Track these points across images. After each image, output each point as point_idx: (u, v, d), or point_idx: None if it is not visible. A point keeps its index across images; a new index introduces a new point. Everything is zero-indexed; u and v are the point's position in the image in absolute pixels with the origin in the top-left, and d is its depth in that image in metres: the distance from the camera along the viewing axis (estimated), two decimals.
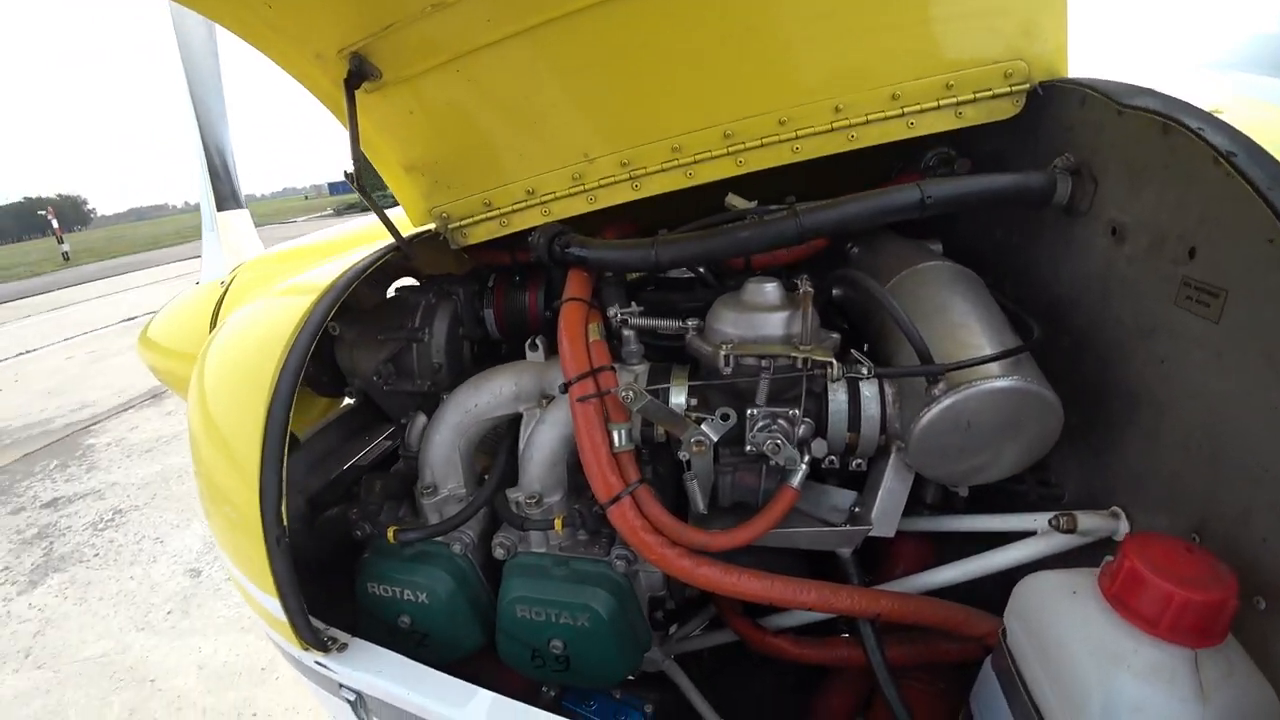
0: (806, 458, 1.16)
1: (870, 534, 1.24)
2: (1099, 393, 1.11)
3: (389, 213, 1.54)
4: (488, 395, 1.40)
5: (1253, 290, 0.80)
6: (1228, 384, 0.84)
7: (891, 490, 1.22)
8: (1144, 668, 0.75)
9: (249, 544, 1.20)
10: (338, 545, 1.52)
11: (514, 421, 1.45)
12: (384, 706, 1.19)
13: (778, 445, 1.13)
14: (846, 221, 1.17)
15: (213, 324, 2.38)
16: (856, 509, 1.28)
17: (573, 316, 1.31)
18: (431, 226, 1.60)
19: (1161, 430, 0.98)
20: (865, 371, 1.08)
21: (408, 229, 1.62)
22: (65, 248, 33.59)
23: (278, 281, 1.81)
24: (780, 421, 1.16)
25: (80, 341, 12.38)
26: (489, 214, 1.51)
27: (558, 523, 1.33)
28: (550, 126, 1.35)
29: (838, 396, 1.18)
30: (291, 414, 1.21)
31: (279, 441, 1.18)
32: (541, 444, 1.32)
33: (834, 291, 1.44)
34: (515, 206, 1.48)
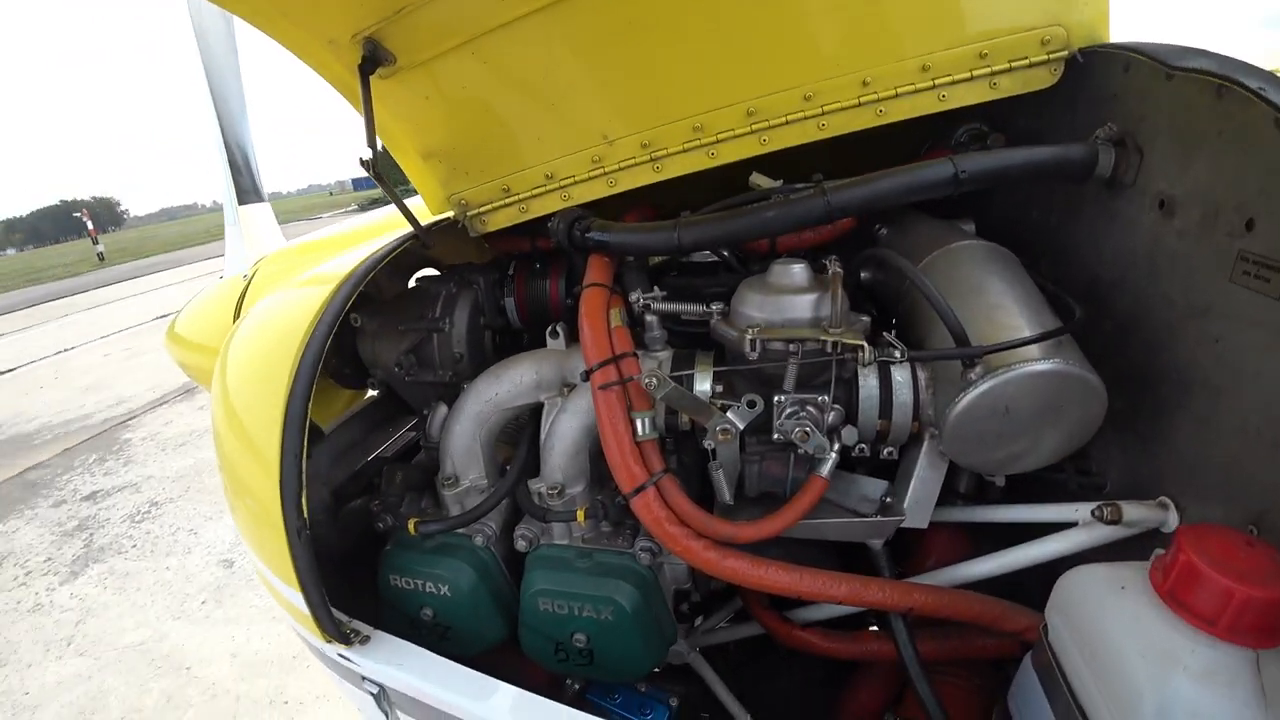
0: (836, 446, 1.12)
1: (902, 525, 1.20)
2: (1146, 376, 1.05)
3: (408, 203, 1.53)
4: (508, 384, 1.38)
5: None
6: None
7: (924, 479, 1.18)
8: (1201, 669, 0.70)
9: (271, 537, 1.19)
10: (361, 537, 1.52)
11: (536, 411, 1.43)
12: (406, 699, 1.19)
13: (806, 433, 1.10)
14: (876, 198, 1.12)
15: (236, 317, 2.41)
16: (888, 499, 1.24)
17: (594, 302, 1.28)
18: (450, 214, 1.58)
19: (1216, 415, 0.92)
20: (898, 355, 1.03)
21: (427, 218, 1.61)
22: (100, 248, 34.55)
23: (299, 273, 1.81)
24: (809, 408, 1.12)
25: (116, 339, 12.75)
26: (508, 200, 1.48)
27: (580, 514, 1.30)
28: (568, 108, 1.32)
29: (868, 382, 1.14)
30: (311, 405, 1.20)
31: (298, 433, 1.18)
32: (563, 433, 1.30)
33: (862, 274, 1.39)
34: (534, 192, 1.45)
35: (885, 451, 1.20)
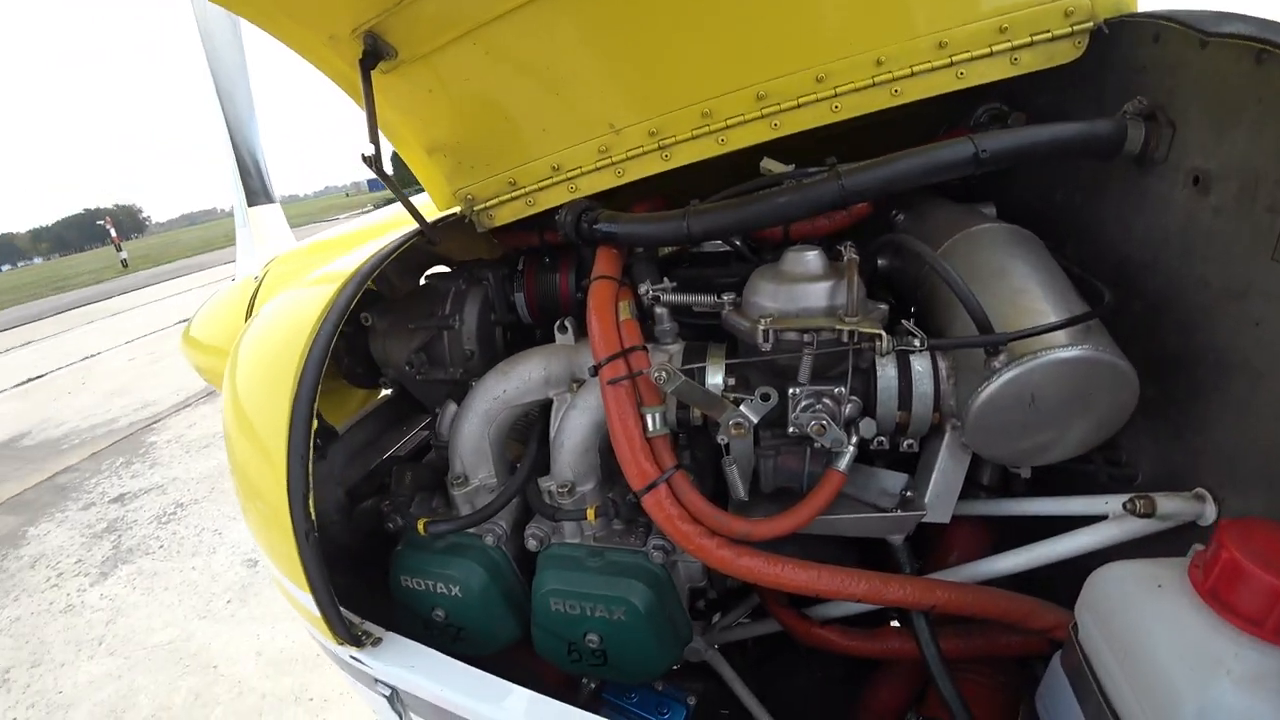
0: (854, 439, 1.08)
1: (924, 520, 1.16)
2: (1180, 362, 1.00)
3: (416, 199, 1.52)
4: (516, 381, 1.36)
5: None
6: None
7: (946, 472, 1.14)
8: (1247, 674, 0.66)
9: (281, 539, 1.19)
10: (374, 537, 1.51)
11: (546, 408, 1.41)
12: (419, 701, 1.18)
13: (822, 426, 1.06)
14: (893, 181, 1.07)
15: (248, 319, 2.42)
16: (908, 493, 1.19)
17: (602, 295, 1.25)
18: (457, 210, 1.56)
19: (1257, 401, 0.87)
20: (917, 344, 0.99)
21: (435, 214, 1.60)
22: (124, 255, 35.23)
23: (308, 273, 1.81)
24: (825, 400, 1.09)
25: (141, 344, 13.00)
26: (514, 193, 1.46)
27: (590, 512, 1.28)
28: (573, 97, 1.29)
29: (887, 372, 1.10)
30: (318, 405, 1.19)
31: (304, 434, 1.17)
32: (572, 430, 1.28)
33: (880, 261, 1.35)
34: (541, 184, 1.43)
35: (905, 444, 1.16)
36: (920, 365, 1.09)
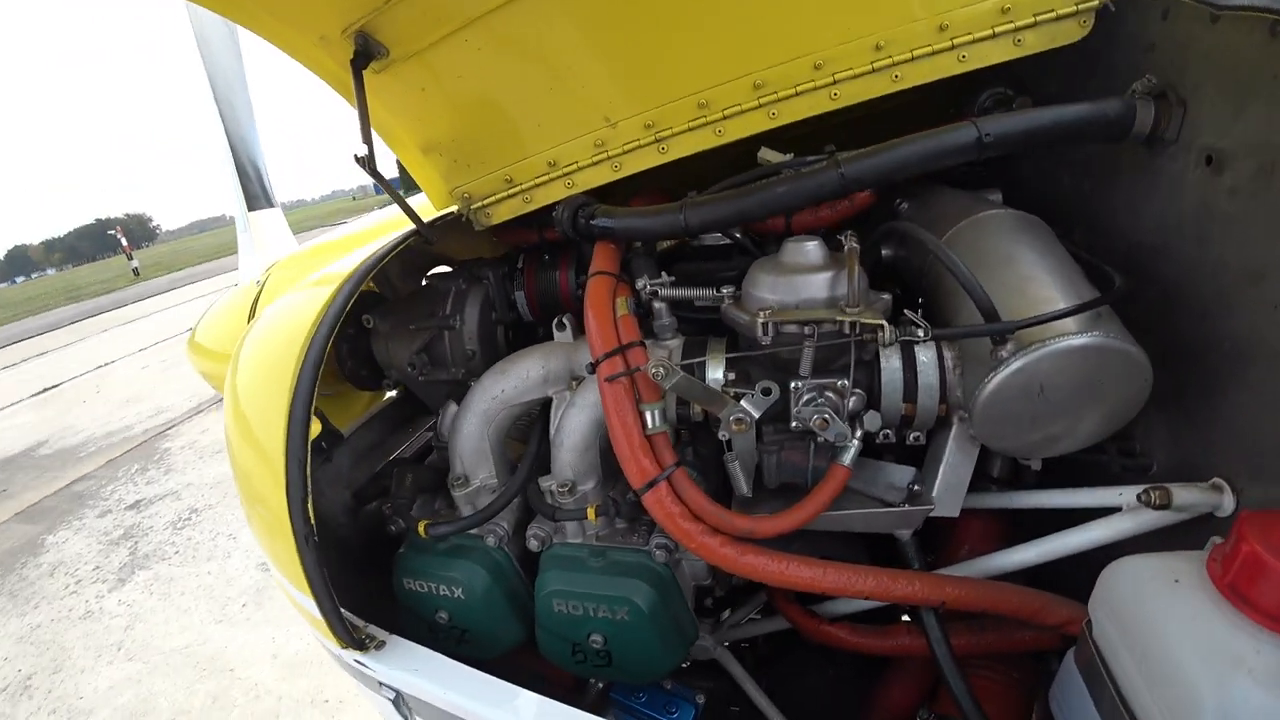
0: (858, 433, 1.06)
1: (932, 514, 1.14)
2: (1195, 348, 0.97)
3: (415, 199, 1.51)
4: (514, 380, 1.34)
5: None
6: None
7: (954, 465, 1.12)
8: (1269, 672, 0.63)
9: (282, 543, 1.18)
10: (379, 540, 1.50)
11: (546, 407, 1.39)
12: (423, 705, 1.17)
13: (826, 420, 1.04)
14: (895, 168, 1.05)
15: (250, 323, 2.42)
16: (916, 487, 1.17)
17: (599, 291, 1.23)
18: (454, 209, 1.55)
19: (1278, 388, 0.84)
20: (921, 334, 0.97)
21: (433, 215, 1.59)
22: (135, 264, 35.61)
23: (309, 276, 1.81)
24: (828, 394, 1.07)
25: (153, 351, 13.13)
26: (511, 190, 1.45)
27: (590, 512, 1.26)
28: (567, 91, 1.27)
29: (891, 363, 1.08)
30: (320, 408, 1.18)
31: (302, 437, 1.16)
32: (571, 429, 1.26)
33: (884, 252, 1.32)
34: (537, 181, 1.41)
35: (912, 437, 1.13)
36: (925, 356, 1.07)
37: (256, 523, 1.34)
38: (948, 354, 1.06)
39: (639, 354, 1.16)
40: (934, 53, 1.12)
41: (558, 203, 1.37)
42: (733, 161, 1.35)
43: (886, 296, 1.08)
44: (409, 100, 1.35)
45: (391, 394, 1.95)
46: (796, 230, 1.40)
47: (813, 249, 1.09)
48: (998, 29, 1.09)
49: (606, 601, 1.21)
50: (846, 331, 1.01)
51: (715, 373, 1.18)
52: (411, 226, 1.52)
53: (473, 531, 1.37)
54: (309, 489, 1.16)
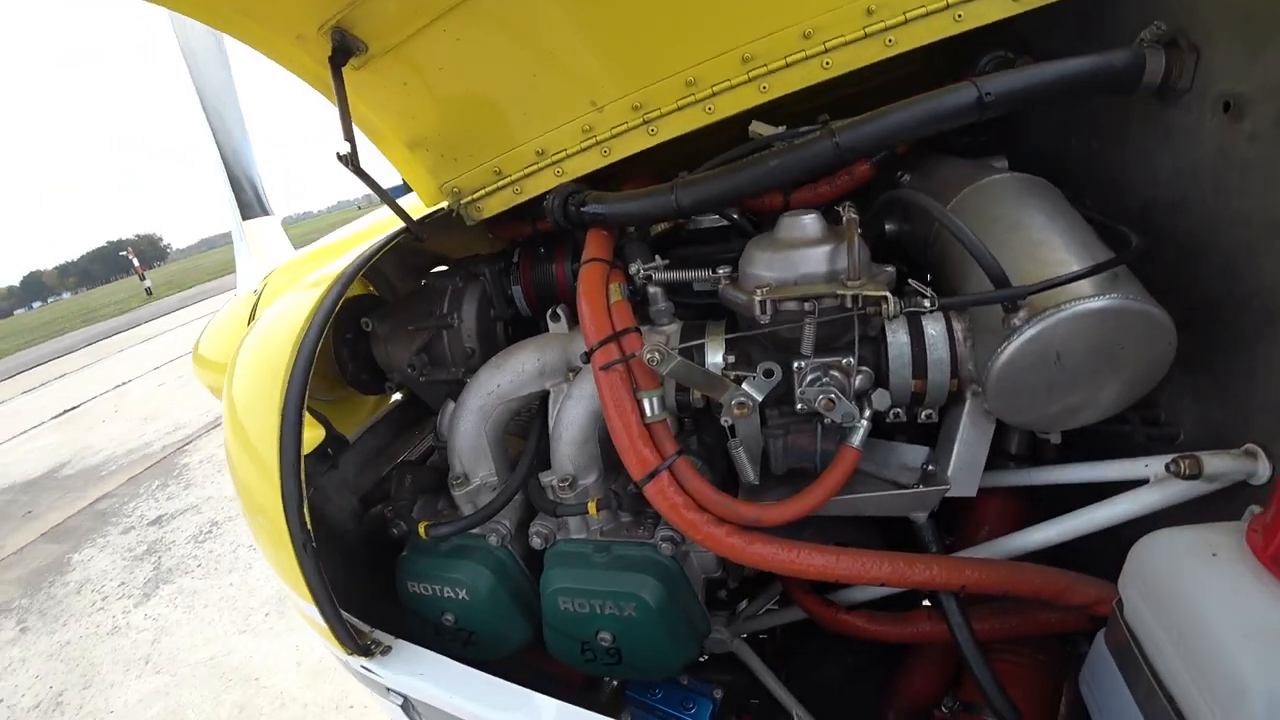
0: (867, 412, 1.02)
1: (948, 494, 1.09)
2: (1221, 307, 0.92)
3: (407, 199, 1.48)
4: (510, 374, 1.31)
5: None
6: None
7: (969, 442, 1.07)
8: None
9: (282, 552, 1.16)
10: (383, 544, 1.48)
11: (545, 401, 1.36)
12: (431, 710, 1.14)
13: (831, 400, 0.99)
14: (892, 133, 1.00)
15: None
16: (930, 467, 1.13)
17: (591, 278, 1.20)
18: (444, 205, 1.52)
19: None
20: (928, 304, 0.92)
21: (424, 212, 1.56)
22: (147, 284, 36.04)
23: (303, 281, 1.79)
24: (833, 373, 1.02)
25: (169, 368, 13.28)
26: (500, 182, 1.41)
27: (592, 506, 1.23)
28: (551, 76, 1.24)
29: (898, 338, 1.03)
30: (305, 408, 1.16)
31: (294, 442, 1.14)
32: (569, 422, 1.23)
33: (887, 226, 1.27)
34: (527, 171, 1.38)
35: (923, 414, 1.09)
36: (934, 329, 1.02)
37: (258, 533, 1.33)
38: (957, 325, 1.02)
39: (634, 340, 1.12)
40: (929, 13, 1.06)
41: (547, 192, 1.34)
42: (726, 143, 1.31)
43: (890, 269, 1.04)
44: (391, 96, 1.32)
45: (396, 397, 1.94)
46: (796, 208, 1.35)
47: (810, 222, 1.05)
48: None
49: (613, 598, 1.18)
50: (849, 306, 0.96)
51: (714, 356, 1.14)
52: (401, 225, 1.49)
53: (475, 531, 1.35)
54: (304, 495, 1.13)
